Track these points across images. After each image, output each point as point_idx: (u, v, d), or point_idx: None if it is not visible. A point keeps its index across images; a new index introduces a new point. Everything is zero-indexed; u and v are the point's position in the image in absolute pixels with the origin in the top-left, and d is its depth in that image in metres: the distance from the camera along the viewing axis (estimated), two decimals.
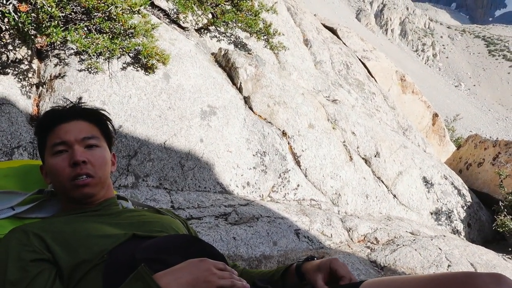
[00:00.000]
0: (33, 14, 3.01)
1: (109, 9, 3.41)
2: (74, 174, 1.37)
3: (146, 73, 4.05)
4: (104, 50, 3.52)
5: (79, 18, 3.44)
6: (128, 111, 3.78)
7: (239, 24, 5.51)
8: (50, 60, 3.79)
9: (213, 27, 5.54)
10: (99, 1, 3.31)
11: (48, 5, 2.94)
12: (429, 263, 3.48)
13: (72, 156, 1.37)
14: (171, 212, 1.63)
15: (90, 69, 3.75)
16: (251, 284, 1.40)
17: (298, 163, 4.59)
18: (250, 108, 4.68)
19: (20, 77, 3.59)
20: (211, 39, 5.54)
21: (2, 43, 3.55)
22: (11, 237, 1.23)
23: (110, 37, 3.61)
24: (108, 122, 1.55)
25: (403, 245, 3.72)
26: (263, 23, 5.69)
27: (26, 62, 3.69)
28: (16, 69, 3.60)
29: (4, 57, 3.57)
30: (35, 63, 3.79)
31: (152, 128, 3.82)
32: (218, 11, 5.35)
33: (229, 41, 5.75)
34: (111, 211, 1.44)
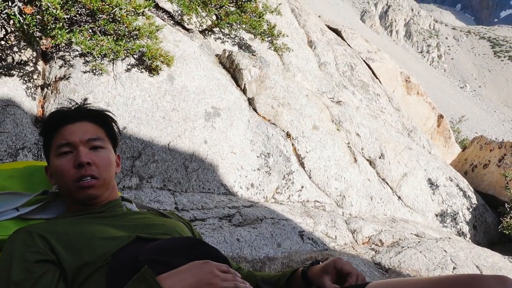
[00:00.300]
0: (38, 16, 3.03)
1: (113, 11, 3.42)
2: (78, 175, 1.37)
3: (151, 75, 4.06)
4: (109, 51, 3.53)
5: (83, 20, 3.46)
6: (132, 113, 3.78)
7: (243, 26, 5.51)
8: (55, 62, 3.81)
9: (217, 28, 5.55)
10: (103, 3, 3.32)
11: (53, 7, 2.95)
12: (434, 266, 3.46)
13: (77, 157, 1.38)
14: (175, 214, 1.63)
15: (94, 71, 3.77)
16: (255, 287, 1.39)
17: (302, 164, 4.58)
18: (254, 110, 4.68)
19: (25, 78, 3.61)
20: (215, 40, 5.54)
21: (8, 45, 3.57)
22: (15, 238, 1.23)
23: (115, 39, 3.62)
24: (113, 124, 1.55)
25: (408, 247, 3.70)
26: (267, 25, 5.69)
27: (31, 64, 3.71)
28: (21, 71, 3.61)
29: (9, 59, 3.59)
30: (40, 65, 3.80)
31: (156, 130, 3.83)
32: (222, 12, 5.36)
33: (233, 43, 5.75)
34: (115, 213, 1.44)
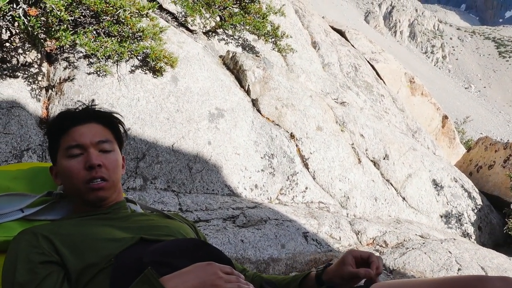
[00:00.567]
0: (42, 18, 3.04)
1: (117, 12, 3.43)
2: (89, 177, 1.37)
3: (154, 76, 4.06)
4: (113, 53, 3.54)
5: (88, 22, 3.47)
6: (137, 114, 3.79)
7: (247, 27, 5.52)
8: (59, 64, 3.82)
9: (221, 30, 5.55)
10: (107, 5, 3.33)
11: (58, 9, 2.96)
12: (439, 267, 3.45)
13: (88, 159, 1.38)
14: (179, 216, 1.63)
15: (99, 72, 3.78)
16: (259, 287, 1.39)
17: (306, 165, 4.58)
18: (258, 111, 4.68)
19: (30, 80, 3.62)
20: (219, 41, 5.55)
21: (12, 46, 3.59)
22: (20, 239, 1.24)
23: (119, 40, 3.63)
24: (120, 126, 1.56)
25: (413, 249, 3.69)
26: (271, 26, 5.69)
27: (35, 66, 3.73)
28: (26, 73, 3.63)
29: (14, 61, 3.61)
30: (45, 67, 3.82)
31: (160, 131, 3.83)
32: (226, 14, 5.36)
33: (237, 44, 5.76)
34: (120, 214, 1.44)
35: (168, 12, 5.18)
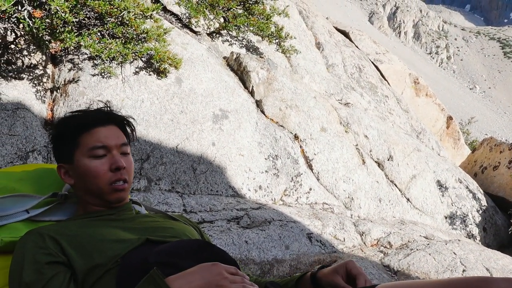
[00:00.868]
0: (47, 20, 3.06)
1: (121, 14, 3.44)
2: (114, 178, 1.40)
3: (159, 77, 4.07)
4: (117, 54, 3.56)
5: (92, 24, 3.48)
6: (141, 115, 3.80)
7: (251, 28, 5.52)
8: (64, 65, 3.84)
9: (225, 31, 5.56)
10: (112, 7, 3.35)
11: (62, 11, 2.97)
12: (444, 268, 3.44)
13: (114, 161, 1.41)
14: (183, 217, 1.64)
15: (103, 74, 3.79)
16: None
17: (310, 166, 4.58)
18: (262, 112, 4.68)
19: (35, 82, 3.64)
20: (223, 43, 5.56)
21: (18, 48, 3.61)
22: (27, 240, 1.24)
23: (123, 42, 3.64)
24: (133, 131, 1.58)
25: (417, 250, 3.68)
26: (275, 27, 5.69)
27: (40, 67, 3.74)
28: (31, 74, 3.65)
29: (19, 63, 3.63)
30: (50, 68, 3.84)
31: (164, 132, 3.84)
32: (230, 15, 5.37)
33: (241, 45, 5.76)
34: (125, 216, 1.45)
35: (172, 13, 5.19)
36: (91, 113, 1.50)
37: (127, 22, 3.55)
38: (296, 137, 4.66)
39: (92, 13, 3.38)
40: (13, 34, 3.45)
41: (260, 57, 5.51)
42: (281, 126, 4.67)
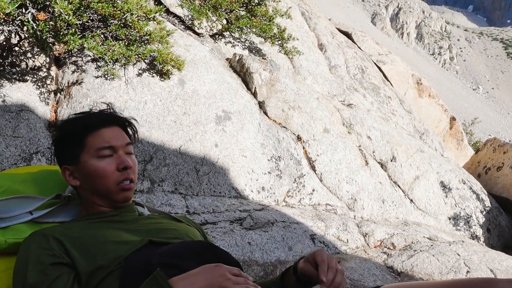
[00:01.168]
0: (51, 22, 3.07)
1: (125, 16, 3.45)
2: (122, 178, 1.42)
3: (162, 79, 4.08)
4: (120, 56, 3.56)
5: (95, 26, 3.49)
6: (144, 117, 3.81)
7: (254, 30, 5.53)
8: (68, 67, 3.85)
9: (228, 32, 5.57)
10: (115, 9, 3.36)
11: (66, 13, 2.99)
12: (447, 269, 3.43)
13: (121, 161, 1.42)
14: (186, 219, 1.64)
15: (106, 76, 3.81)
16: None
17: (313, 167, 4.57)
18: (265, 113, 4.69)
19: (39, 84, 3.66)
20: (225, 44, 5.57)
21: (21, 51, 3.62)
22: (31, 241, 1.25)
23: (126, 43, 3.65)
24: (135, 133, 1.59)
25: (421, 251, 3.67)
26: (278, 28, 5.70)
27: (44, 69, 3.76)
28: (35, 76, 3.67)
29: (23, 65, 3.64)
30: (53, 70, 3.85)
31: (167, 134, 3.85)
32: (232, 16, 5.38)
33: (243, 47, 5.77)
34: (128, 217, 1.46)
35: (175, 15, 5.20)
36: (94, 114, 1.51)
37: (130, 24, 3.55)
38: (299, 138, 4.66)
39: (95, 15, 3.39)
40: (17, 36, 3.47)
41: (263, 58, 5.52)
42: (284, 127, 4.67)
